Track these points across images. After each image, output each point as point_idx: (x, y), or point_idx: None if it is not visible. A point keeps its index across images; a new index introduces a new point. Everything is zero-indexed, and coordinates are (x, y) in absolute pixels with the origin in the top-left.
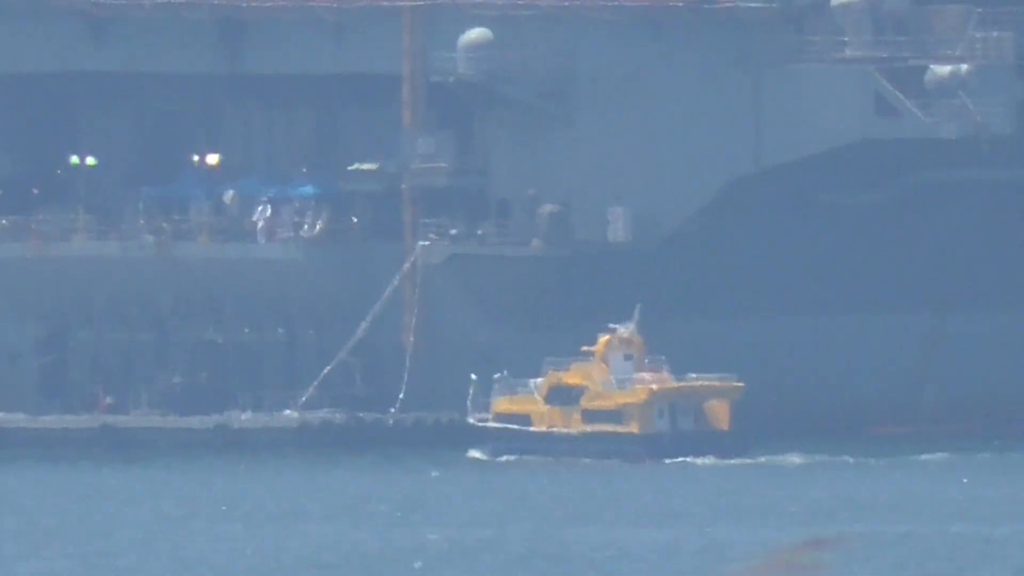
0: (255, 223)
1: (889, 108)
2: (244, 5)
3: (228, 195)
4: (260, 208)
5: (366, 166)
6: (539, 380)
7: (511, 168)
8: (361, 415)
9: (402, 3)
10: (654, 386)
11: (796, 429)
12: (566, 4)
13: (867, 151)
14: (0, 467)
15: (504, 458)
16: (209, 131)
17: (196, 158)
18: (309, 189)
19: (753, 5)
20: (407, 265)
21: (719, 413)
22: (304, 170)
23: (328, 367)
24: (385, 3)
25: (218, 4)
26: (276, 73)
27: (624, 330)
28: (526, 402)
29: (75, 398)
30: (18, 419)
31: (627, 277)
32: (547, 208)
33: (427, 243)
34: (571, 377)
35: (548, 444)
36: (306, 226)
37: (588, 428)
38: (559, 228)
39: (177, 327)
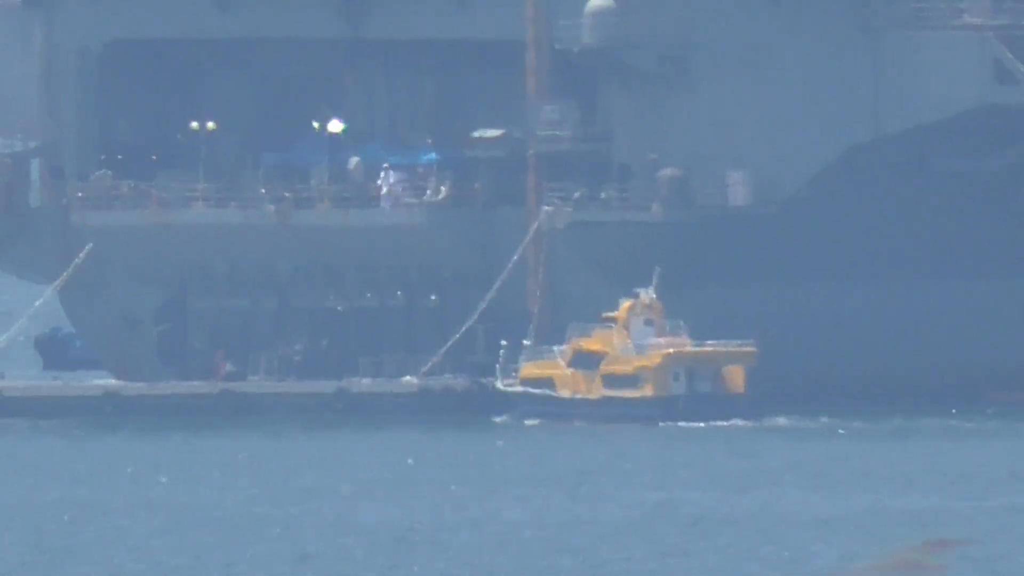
0: (378, 188)
1: (1008, 74)
2: None
3: (353, 162)
4: (383, 174)
5: (490, 133)
6: (563, 346)
7: (633, 134)
8: (483, 380)
9: None
10: (669, 350)
11: (926, 393)
12: None
13: (986, 117)
14: (121, 435)
15: (529, 422)
16: (331, 97)
17: (317, 124)
18: (432, 156)
19: None
20: (531, 230)
21: (735, 378)
22: (428, 138)
23: (456, 335)
24: None
25: None
26: (399, 38)
27: (645, 295)
28: (550, 367)
29: (194, 365)
30: (138, 387)
31: (747, 241)
32: (667, 172)
33: (550, 208)
34: (592, 343)
35: (570, 408)
36: (428, 192)
37: (607, 392)
38: (679, 192)
39: (297, 294)
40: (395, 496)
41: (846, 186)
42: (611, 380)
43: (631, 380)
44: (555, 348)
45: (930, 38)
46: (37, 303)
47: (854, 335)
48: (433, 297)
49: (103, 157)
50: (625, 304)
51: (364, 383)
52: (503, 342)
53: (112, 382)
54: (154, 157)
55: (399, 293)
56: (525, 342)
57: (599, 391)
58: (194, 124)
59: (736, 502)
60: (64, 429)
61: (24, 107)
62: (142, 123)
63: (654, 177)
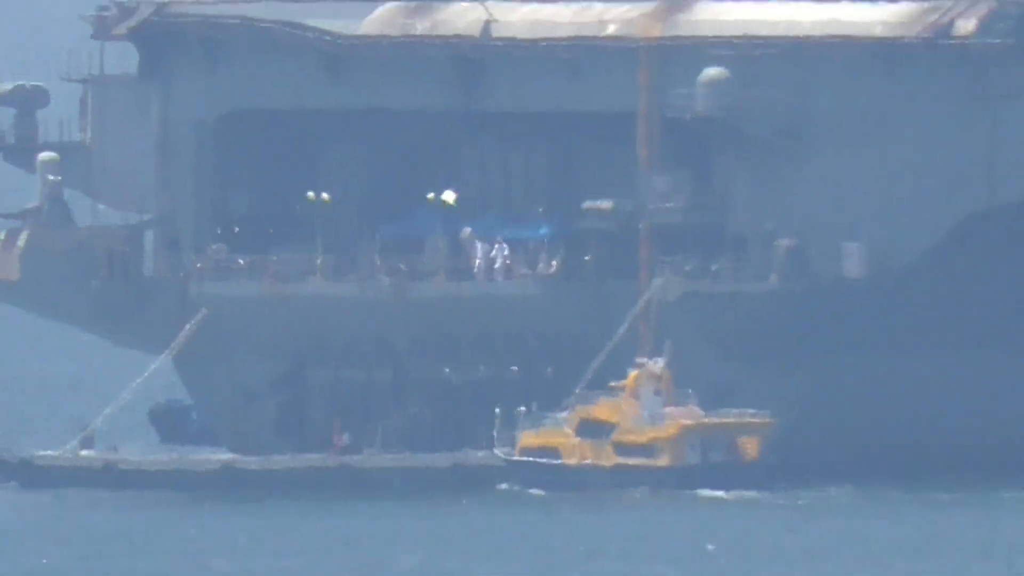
0: (493, 260)
1: None
2: (482, 43)
3: (465, 232)
4: (496, 247)
5: (602, 204)
6: (564, 414)
7: (746, 204)
8: None
9: (639, 43)
10: (685, 421)
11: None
12: (802, 42)
13: None
14: (240, 507)
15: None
16: (446, 168)
17: (432, 195)
18: (544, 229)
19: (989, 41)
20: (641, 302)
21: (750, 448)
22: (540, 208)
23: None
24: (620, 42)
25: (455, 42)
26: (512, 110)
27: (654, 365)
28: (554, 435)
29: (312, 436)
30: (254, 460)
31: (863, 312)
32: (784, 242)
33: (662, 280)
34: (601, 412)
35: (581, 477)
36: (540, 264)
37: (620, 461)
38: (796, 262)
39: (414, 365)
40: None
41: (962, 256)
42: (623, 449)
43: (645, 450)
44: (557, 416)
45: None
46: (151, 369)
47: (966, 407)
48: (549, 369)
49: (219, 231)
50: (633, 373)
51: (481, 455)
52: (496, 409)
53: (229, 456)
54: (270, 230)
55: (514, 367)
56: (521, 409)
57: (611, 459)
58: (310, 195)
59: None
60: (180, 502)
61: (140, 179)
62: (258, 195)
63: (769, 247)
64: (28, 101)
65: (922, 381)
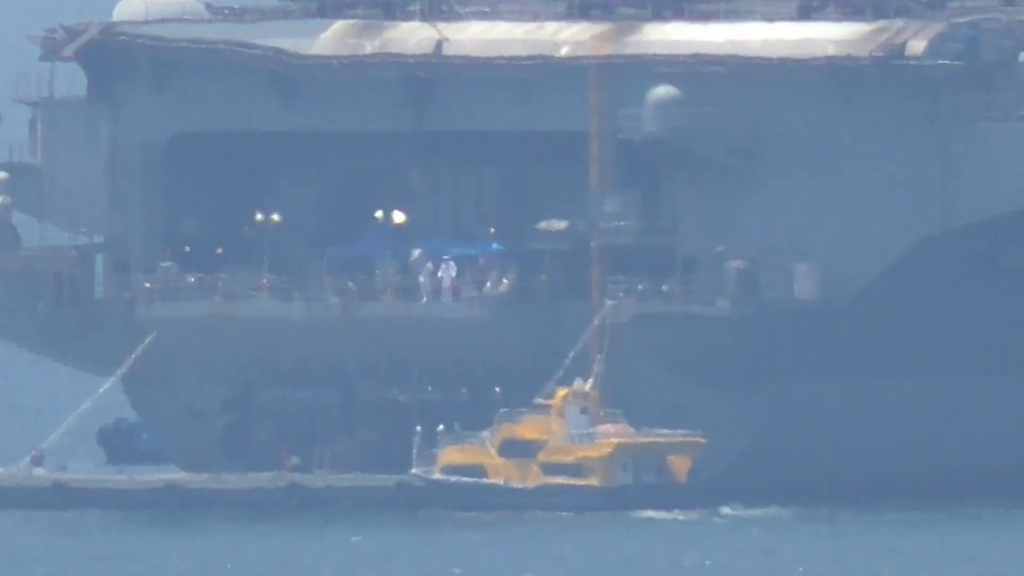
0: (439, 281)
1: None
2: (432, 63)
3: (414, 254)
4: (443, 266)
5: (554, 224)
6: (486, 433)
7: (698, 225)
8: None
9: (588, 61)
10: (619, 440)
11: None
12: (753, 62)
13: None
14: (187, 527)
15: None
16: (395, 189)
17: (380, 216)
18: (495, 247)
19: (940, 63)
20: (595, 323)
21: (679, 467)
22: (491, 229)
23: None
24: (571, 61)
25: (404, 63)
26: (462, 130)
27: (581, 383)
28: (477, 454)
29: (260, 457)
30: (202, 479)
31: (814, 334)
32: (735, 265)
33: (614, 302)
34: (526, 430)
35: (506, 497)
36: (488, 284)
37: (548, 480)
38: (747, 286)
39: (362, 387)
40: None
41: (915, 280)
42: (551, 468)
43: (573, 469)
44: (480, 434)
45: (999, 130)
46: (101, 390)
47: (918, 429)
48: (497, 389)
49: (168, 251)
50: (561, 392)
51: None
52: (417, 428)
53: (177, 475)
54: (220, 250)
55: (463, 388)
56: (440, 427)
57: (538, 479)
58: (259, 217)
59: None
60: (126, 521)
61: (90, 201)
62: (207, 216)
63: (720, 270)
64: None
65: (874, 403)
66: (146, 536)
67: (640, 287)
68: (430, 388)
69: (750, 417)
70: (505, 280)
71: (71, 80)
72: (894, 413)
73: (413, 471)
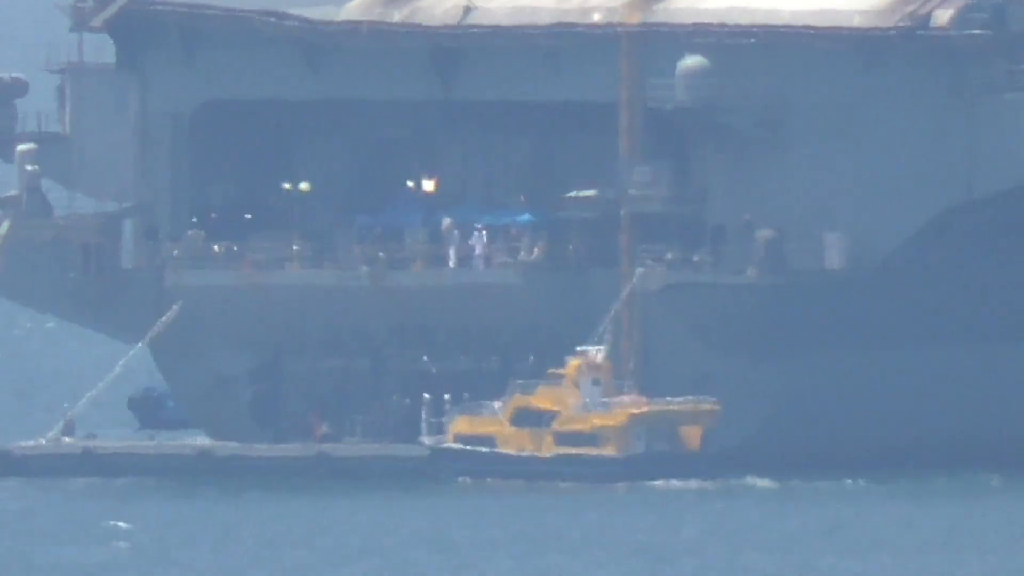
0: (471, 248)
1: None
2: (460, 32)
3: (445, 222)
4: (475, 235)
5: (584, 193)
6: (499, 403)
7: (726, 195)
8: None
9: (619, 30)
10: (635, 409)
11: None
12: (781, 32)
13: None
14: (217, 495)
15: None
16: (424, 158)
17: (411, 185)
18: (526, 216)
19: (966, 32)
20: (625, 292)
21: (692, 436)
22: (521, 197)
23: None
24: (602, 31)
25: (434, 32)
26: (492, 100)
27: (595, 353)
28: (488, 423)
29: (288, 426)
30: (232, 447)
31: (842, 302)
32: (763, 234)
33: (644, 270)
34: (541, 400)
35: (518, 466)
36: (522, 253)
37: (562, 451)
38: (774, 255)
39: (392, 355)
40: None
41: (940, 248)
42: (564, 438)
43: (589, 438)
44: (493, 404)
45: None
46: (126, 358)
47: (945, 397)
48: (532, 358)
49: (196, 219)
50: (574, 362)
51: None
52: (426, 395)
53: (206, 442)
54: (248, 217)
55: (493, 356)
56: (447, 397)
57: (551, 449)
58: (287, 185)
59: None
60: (157, 488)
61: (118, 170)
62: (236, 184)
63: (749, 239)
64: (7, 92)
65: (901, 371)
66: (176, 503)
67: (669, 256)
68: (461, 356)
69: (778, 385)
70: (536, 248)
71: (100, 50)
72: (921, 380)
73: (424, 440)
